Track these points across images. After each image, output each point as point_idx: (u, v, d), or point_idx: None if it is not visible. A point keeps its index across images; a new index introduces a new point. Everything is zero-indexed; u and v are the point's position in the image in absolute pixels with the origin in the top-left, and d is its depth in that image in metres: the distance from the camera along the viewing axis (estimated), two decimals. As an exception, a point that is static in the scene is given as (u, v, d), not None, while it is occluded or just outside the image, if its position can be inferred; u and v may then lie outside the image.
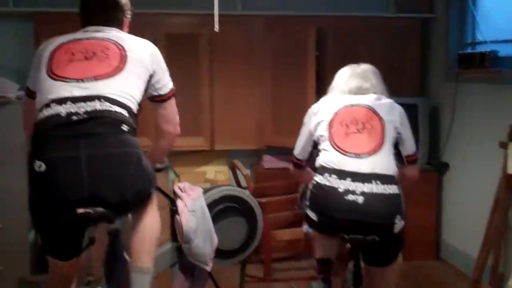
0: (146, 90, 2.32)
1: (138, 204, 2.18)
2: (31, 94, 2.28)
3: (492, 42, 4.23)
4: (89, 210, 2.00)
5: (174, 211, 3.23)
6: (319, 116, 2.76)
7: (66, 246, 2.19)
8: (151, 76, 2.30)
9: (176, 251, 3.30)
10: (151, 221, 2.30)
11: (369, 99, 2.77)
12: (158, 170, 2.66)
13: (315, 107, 2.84)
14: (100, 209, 2.02)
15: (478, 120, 4.35)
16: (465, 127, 4.52)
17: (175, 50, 4.68)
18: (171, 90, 2.43)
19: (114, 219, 2.14)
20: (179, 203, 3.21)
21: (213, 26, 4.54)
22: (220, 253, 3.26)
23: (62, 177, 1.99)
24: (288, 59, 4.78)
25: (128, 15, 2.49)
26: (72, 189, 2.00)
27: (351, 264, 2.72)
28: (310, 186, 2.67)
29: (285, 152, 4.98)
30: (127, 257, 2.48)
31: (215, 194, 3.29)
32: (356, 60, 3.06)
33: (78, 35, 2.31)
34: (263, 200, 4.14)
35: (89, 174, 1.99)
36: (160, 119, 2.42)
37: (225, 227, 3.28)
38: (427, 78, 5.10)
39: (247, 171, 4.41)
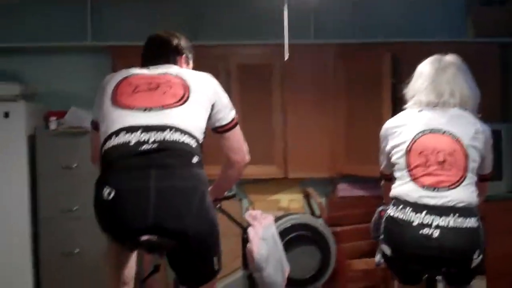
0: (208, 120, 2.31)
1: (200, 240, 2.12)
2: (96, 126, 2.33)
3: None
4: (151, 237, 2.02)
5: (245, 239, 3.22)
6: (396, 138, 2.60)
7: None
8: (213, 106, 2.30)
9: (248, 280, 3.28)
10: None
11: (449, 120, 2.53)
12: (226, 198, 2.66)
13: (391, 125, 2.66)
14: (163, 238, 2.03)
15: None
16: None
17: (247, 81, 4.74)
18: (233, 119, 2.40)
19: (175, 250, 2.11)
20: (250, 231, 3.21)
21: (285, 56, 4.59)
22: (293, 282, 3.21)
23: (129, 206, 2.01)
24: (362, 86, 4.70)
25: (186, 53, 2.51)
26: (137, 219, 2.02)
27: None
28: (383, 219, 2.55)
29: (360, 181, 4.92)
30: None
31: (287, 222, 3.27)
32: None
33: (140, 70, 2.36)
34: (338, 229, 4.06)
35: (156, 206, 2.01)
36: (226, 149, 2.40)
37: (297, 255, 3.25)
38: (509, 103, 4.88)
39: (321, 199, 4.34)
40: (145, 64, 2.41)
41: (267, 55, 4.75)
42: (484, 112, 4.54)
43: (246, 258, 3.22)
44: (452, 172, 2.45)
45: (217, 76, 4.67)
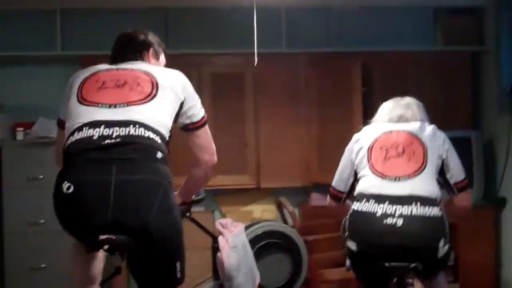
0: (177, 118, 2.27)
1: (162, 239, 2.04)
2: (63, 125, 2.27)
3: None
4: (111, 236, 1.94)
5: (215, 249, 3.17)
6: (359, 143, 2.68)
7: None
8: (182, 104, 2.26)
9: (218, 290, 3.22)
10: None
11: (410, 126, 2.67)
12: (194, 202, 2.60)
13: (356, 136, 2.77)
14: (122, 237, 1.95)
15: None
16: (522, 160, 4.32)
17: (220, 90, 4.72)
18: (203, 117, 2.37)
19: (133, 249, 2.02)
20: (220, 239, 3.16)
21: (259, 66, 4.58)
22: (264, 292, 3.16)
23: (88, 201, 1.95)
24: (334, 95, 4.72)
25: (154, 47, 2.48)
26: (96, 214, 1.95)
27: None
28: (348, 216, 2.56)
29: (333, 191, 4.91)
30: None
31: (257, 229, 3.23)
32: (404, 94, 2.95)
33: (108, 66, 2.32)
34: (311, 238, 4.02)
35: (116, 201, 1.94)
36: (195, 149, 2.35)
37: (268, 263, 3.21)
38: (480, 110, 4.92)
39: (294, 209, 4.31)
40: (114, 61, 2.37)
41: (239, 64, 4.74)
42: (455, 120, 4.66)
43: (217, 268, 3.16)
44: (411, 162, 2.50)
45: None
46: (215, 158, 2.40)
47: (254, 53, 4.47)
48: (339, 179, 2.79)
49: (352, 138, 2.78)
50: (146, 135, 2.06)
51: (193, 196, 2.59)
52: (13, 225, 4.19)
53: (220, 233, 3.18)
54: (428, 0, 4.72)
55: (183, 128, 2.30)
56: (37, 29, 4.68)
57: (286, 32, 4.80)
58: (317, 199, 4.84)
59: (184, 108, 2.26)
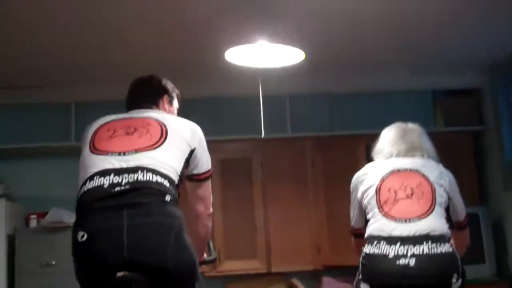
0: (187, 164, 2.32)
1: (179, 278, 2.09)
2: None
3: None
4: (127, 273, 1.97)
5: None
6: (366, 183, 2.69)
7: None
8: (192, 152, 2.32)
9: None
10: None
11: (416, 163, 2.69)
12: (206, 262, 2.61)
13: (360, 174, 2.78)
14: (140, 275, 1.98)
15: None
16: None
17: (229, 175, 4.82)
18: (210, 170, 2.44)
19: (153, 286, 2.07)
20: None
21: (266, 151, 4.72)
22: None
23: (103, 244, 2.00)
24: (340, 177, 4.78)
25: (167, 92, 2.57)
26: (112, 254, 1.99)
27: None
28: (360, 259, 2.55)
29: (345, 273, 4.85)
30: None
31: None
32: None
33: (121, 115, 2.42)
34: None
35: (130, 241, 1.99)
36: (194, 199, 2.41)
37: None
38: (485, 187, 4.98)
39: (306, 289, 4.26)
40: (128, 107, 2.48)
41: (247, 150, 4.88)
42: (461, 197, 4.69)
43: None
44: (421, 203, 2.51)
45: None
46: (211, 210, 2.47)
47: (260, 139, 4.64)
48: (354, 218, 2.83)
49: (356, 176, 2.81)
50: (154, 179, 2.13)
51: (205, 257, 2.60)
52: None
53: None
54: (426, 83, 4.90)
55: (188, 178, 2.37)
56: (52, 122, 4.86)
57: (290, 117, 4.96)
58: (330, 283, 4.81)
59: (193, 157, 2.33)
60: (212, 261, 2.65)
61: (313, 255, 4.81)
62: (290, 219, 4.83)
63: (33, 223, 4.37)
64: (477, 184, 4.92)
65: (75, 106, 4.83)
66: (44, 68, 4.41)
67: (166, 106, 2.54)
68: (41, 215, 4.51)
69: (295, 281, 4.24)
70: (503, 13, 3.84)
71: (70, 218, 4.22)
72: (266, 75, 4.11)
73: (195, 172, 2.36)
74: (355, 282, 3.08)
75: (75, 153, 4.97)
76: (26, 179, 4.88)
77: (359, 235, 2.76)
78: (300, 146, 4.94)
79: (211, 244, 2.65)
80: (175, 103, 2.62)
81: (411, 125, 2.88)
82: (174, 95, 2.60)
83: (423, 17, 3.86)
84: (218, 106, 4.89)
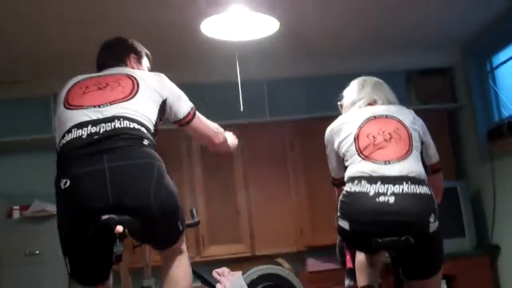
0: (161, 115, 2.39)
1: (164, 218, 2.15)
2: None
3: (518, 112, 4.28)
4: (113, 216, 2.01)
5: (213, 297, 3.16)
6: (343, 133, 2.73)
7: (94, 267, 2.16)
8: (164, 102, 2.39)
9: (219, 338, 3.17)
10: (182, 272, 2.29)
11: (391, 109, 2.75)
12: (190, 225, 2.65)
13: (334, 126, 2.82)
14: (125, 216, 2.03)
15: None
16: (509, 204, 4.42)
17: (209, 161, 4.86)
18: (190, 110, 2.49)
19: (138, 229, 2.09)
20: (218, 286, 3.15)
21: (246, 136, 4.76)
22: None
23: (86, 188, 2.04)
24: (319, 159, 4.83)
25: (136, 51, 2.62)
26: (96, 198, 2.03)
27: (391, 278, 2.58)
28: (340, 197, 2.60)
29: (328, 254, 4.91)
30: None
31: (253, 273, 3.24)
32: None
33: (92, 74, 2.47)
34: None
35: (113, 183, 2.03)
36: (198, 139, 2.61)
37: (267, 307, 3.18)
38: (462, 162, 5.10)
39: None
40: (98, 68, 2.53)
41: (227, 135, 4.92)
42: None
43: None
44: (399, 147, 2.57)
45: (180, 158, 4.87)
46: (217, 140, 2.64)
47: (240, 124, 4.68)
48: (333, 169, 2.89)
49: (330, 130, 2.86)
50: (131, 126, 2.20)
51: (187, 221, 2.64)
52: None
53: (217, 281, 3.18)
54: (399, 63, 4.99)
55: (179, 125, 2.47)
56: (31, 116, 4.85)
57: (269, 102, 5.03)
58: (314, 264, 4.87)
59: (168, 106, 2.40)
60: (196, 224, 2.69)
61: (296, 236, 4.88)
62: (272, 202, 4.89)
63: (16, 214, 4.38)
64: (453, 159, 5.03)
65: (54, 98, 4.82)
66: (20, 61, 4.43)
67: (134, 64, 2.59)
68: (24, 207, 4.52)
69: (280, 260, 4.28)
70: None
71: (53, 207, 4.24)
72: (243, 59, 4.15)
73: (177, 118, 2.45)
74: (338, 256, 3.15)
75: (55, 146, 5.05)
76: (7, 174, 4.87)
77: (340, 184, 2.80)
78: (279, 130, 5.00)
79: (194, 210, 2.70)
80: (145, 62, 2.67)
81: (375, 78, 2.98)
82: (143, 54, 2.66)
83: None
84: (196, 92, 4.86)
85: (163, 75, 2.48)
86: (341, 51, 4.79)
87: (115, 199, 2.03)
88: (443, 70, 5.15)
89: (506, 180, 4.40)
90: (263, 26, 3.50)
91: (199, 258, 4.71)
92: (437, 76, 5.14)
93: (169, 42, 4.13)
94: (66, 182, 2.06)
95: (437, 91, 5.06)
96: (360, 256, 2.76)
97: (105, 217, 2.02)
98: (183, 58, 4.48)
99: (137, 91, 2.32)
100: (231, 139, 2.87)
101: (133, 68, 2.56)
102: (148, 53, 2.70)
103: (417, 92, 5.05)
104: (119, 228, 2.04)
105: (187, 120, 2.48)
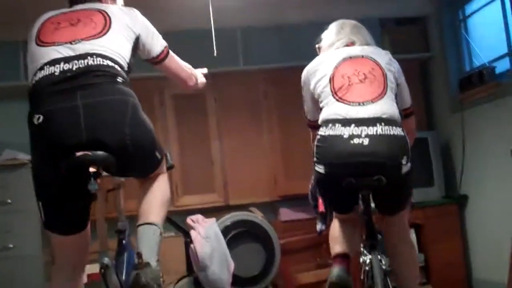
0: (134, 51, 2.36)
1: (138, 154, 2.14)
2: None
3: (489, 62, 4.31)
4: (87, 152, 2.00)
5: (188, 243, 3.20)
6: (318, 74, 2.71)
7: (69, 211, 2.14)
8: (138, 39, 2.35)
9: (194, 284, 3.23)
10: (161, 185, 2.29)
11: (367, 50, 2.74)
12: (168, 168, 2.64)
13: (311, 67, 2.80)
14: (99, 152, 2.01)
15: (488, 144, 4.33)
16: (478, 155, 4.49)
17: (183, 110, 4.84)
18: (164, 49, 2.47)
19: (113, 165, 2.08)
20: (192, 232, 3.20)
21: (219, 85, 4.73)
22: (239, 280, 3.18)
23: (60, 125, 2.01)
24: (293, 108, 4.85)
25: None
26: (70, 134, 2.01)
27: (363, 214, 2.60)
28: (315, 142, 2.59)
29: (301, 204, 4.97)
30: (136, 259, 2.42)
31: (227, 220, 3.28)
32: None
33: (63, 10, 2.41)
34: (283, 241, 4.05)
35: (87, 120, 2.02)
36: (172, 78, 2.57)
37: (241, 253, 3.23)
38: (433, 112, 5.16)
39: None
40: (70, 4, 2.47)
41: (199, 85, 4.88)
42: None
43: (190, 263, 3.18)
44: (373, 87, 2.57)
45: (152, 108, 4.82)
46: (191, 82, 2.67)
47: (214, 73, 4.61)
48: (309, 111, 2.87)
49: (306, 71, 2.83)
50: (105, 63, 2.17)
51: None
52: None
53: (191, 227, 3.22)
54: (373, 12, 4.96)
55: (152, 63, 2.45)
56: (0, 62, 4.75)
57: (242, 50, 4.97)
58: (287, 214, 4.94)
59: (141, 42, 2.37)
60: (170, 168, 2.68)
61: (269, 186, 4.92)
62: (246, 152, 4.90)
63: (-14, 163, 4.31)
64: (424, 109, 5.08)
65: (24, 44, 4.69)
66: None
67: (110, 2, 2.52)
68: (-6, 157, 4.45)
69: (253, 209, 4.33)
70: None
71: (25, 155, 4.19)
72: (217, 4, 4.08)
73: (150, 56, 2.42)
74: (311, 197, 3.18)
75: (25, 95, 4.95)
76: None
77: (316, 126, 2.75)
78: (253, 79, 4.98)
79: (168, 153, 2.68)
80: (119, 1, 2.60)
81: (353, 21, 2.93)
82: None
83: None
84: (169, 40, 4.82)
85: (136, 11, 2.43)
86: (316, -1, 4.75)
87: (89, 136, 2.01)
88: (417, 19, 5.15)
89: (476, 130, 4.47)
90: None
91: (173, 208, 4.68)
92: (410, 25, 5.14)
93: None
94: (39, 117, 2.02)
95: (410, 40, 5.06)
96: (335, 223, 2.77)
97: (79, 153, 1.99)
98: (153, 3, 4.39)
99: (109, 28, 2.27)
100: (200, 77, 2.88)
101: (106, 3, 2.49)
102: None
103: (391, 40, 5.03)
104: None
105: (160, 58, 2.46)
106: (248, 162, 4.89)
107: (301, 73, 2.92)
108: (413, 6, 5.04)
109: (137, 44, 2.36)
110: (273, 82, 4.98)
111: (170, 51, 2.53)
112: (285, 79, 4.94)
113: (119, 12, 2.38)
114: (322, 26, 3.04)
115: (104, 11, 2.35)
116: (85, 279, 2.32)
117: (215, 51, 3.60)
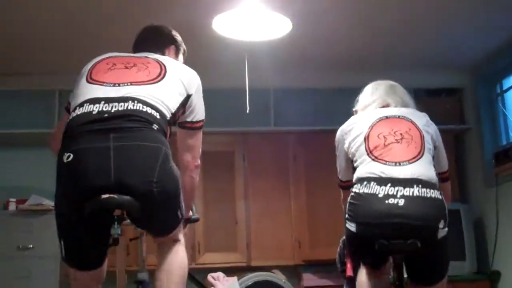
0: (183, 107, 2.30)
1: (164, 203, 2.08)
2: (69, 108, 2.27)
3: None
4: (113, 195, 1.94)
5: (206, 302, 3.10)
6: (353, 133, 2.64)
7: (89, 250, 2.10)
8: (188, 98, 2.30)
9: None
10: (177, 261, 2.21)
11: (403, 111, 2.68)
12: (191, 221, 2.58)
13: (346, 126, 2.73)
14: (125, 196, 1.96)
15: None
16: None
17: (211, 168, 4.79)
18: (203, 120, 2.41)
19: (138, 211, 2.01)
20: (212, 291, 3.09)
21: (248, 144, 4.72)
22: None
23: (89, 164, 1.98)
24: (321, 172, 4.80)
25: (176, 44, 2.58)
26: (98, 175, 1.97)
27: (394, 277, 2.46)
28: (348, 199, 2.50)
29: (324, 270, 4.84)
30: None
31: (249, 280, 3.18)
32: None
33: (123, 54, 2.40)
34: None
35: (117, 163, 1.97)
36: (183, 148, 2.39)
37: (261, 315, 3.11)
38: (466, 185, 5.04)
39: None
40: (133, 51, 2.48)
41: (229, 143, 4.90)
42: (443, 195, 4.73)
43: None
44: (410, 148, 2.48)
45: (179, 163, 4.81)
46: (198, 161, 2.46)
47: (243, 132, 4.63)
48: (341, 171, 2.77)
49: (340, 130, 2.77)
50: (144, 109, 2.12)
51: (191, 214, 2.58)
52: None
53: (211, 285, 3.11)
54: (408, 82, 4.91)
55: (181, 125, 2.35)
56: (35, 110, 4.81)
57: (274, 111, 4.98)
58: (310, 279, 4.80)
59: (189, 103, 2.30)
60: (196, 221, 2.63)
61: (293, 249, 4.81)
62: (271, 213, 4.83)
63: (12, 206, 4.32)
64: (457, 182, 4.96)
65: (59, 94, 4.80)
66: (30, 54, 4.41)
67: (172, 56, 2.52)
68: (21, 201, 4.45)
69: (276, 271, 4.20)
70: (484, 12, 3.94)
71: (50, 202, 4.19)
72: (252, 64, 4.11)
73: (188, 119, 2.34)
74: (338, 262, 3.07)
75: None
76: (6, 166, 4.83)
77: (347, 187, 2.69)
78: (283, 140, 4.95)
79: (193, 206, 2.64)
80: (181, 58, 2.60)
81: (391, 82, 2.90)
82: (181, 48, 2.60)
83: (405, 16, 3.94)
84: (204, 97, 4.87)
85: (196, 74, 2.40)
86: (352, 65, 4.76)
87: (117, 179, 1.96)
88: (452, 91, 5.12)
89: (510, 205, 4.34)
90: (276, 27, 3.43)
91: (194, 265, 4.63)
92: (446, 96, 5.10)
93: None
94: (69, 156, 1.99)
95: (445, 112, 5.00)
96: (362, 276, 2.60)
97: (105, 196, 1.95)
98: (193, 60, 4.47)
99: (162, 78, 2.25)
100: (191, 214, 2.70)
101: (169, 56, 2.49)
102: (185, 49, 2.64)
103: (425, 111, 4.97)
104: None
105: (197, 126, 2.38)
106: (273, 224, 4.81)
107: (332, 137, 2.87)
108: (449, 77, 5.04)
109: (186, 102, 2.30)
110: (303, 145, 4.95)
111: None
112: (315, 143, 4.92)
113: (178, 67, 2.36)
114: (355, 91, 3.01)
115: (162, 62, 2.34)
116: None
117: (247, 108, 3.58)
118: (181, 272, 2.22)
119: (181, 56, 2.61)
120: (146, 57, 2.37)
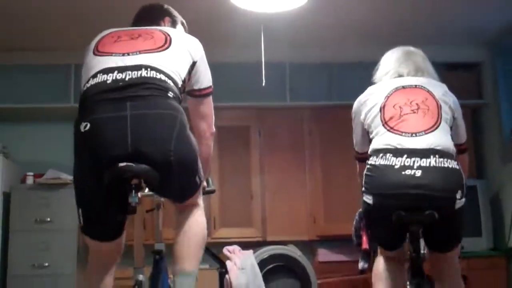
0: (190, 74, 2.29)
1: (182, 171, 2.08)
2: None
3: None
4: (131, 164, 1.95)
5: (222, 274, 3.12)
6: (369, 103, 2.59)
7: (107, 219, 2.11)
8: (194, 64, 2.30)
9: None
10: (198, 222, 2.21)
11: (421, 80, 2.62)
12: (207, 192, 2.59)
13: (362, 97, 2.68)
14: (143, 165, 1.96)
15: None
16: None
17: (226, 142, 4.80)
18: (211, 86, 2.40)
19: (156, 180, 2.02)
20: (228, 263, 3.13)
21: (264, 119, 4.70)
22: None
23: (106, 134, 1.98)
24: (336, 147, 4.79)
25: (173, 17, 2.56)
26: (115, 144, 1.97)
27: (410, 250, 2.40)
28: (364, 171, 2.47)
29: (339, 245, 4.85)
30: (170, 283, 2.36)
31: (265, 252, 3.20)
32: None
33: (126, 28, 2.41)
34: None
35: (134, 131, 1.98)
36: (196, 117, 2.38)
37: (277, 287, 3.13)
38: (483, 161, 4.99)
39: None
40: (133, 25, 2.49)
41: (246, 118, 4.88)
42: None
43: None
44: (426, 118, 2.45)
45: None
46: (213, 128, 2.46)
47: (259, 107, 4.60)
48: (358, 143, 2.73)
49: (357, 101, 2.71)
50: (158, 77, 2.12)
51: (206, 186, 2.58)
52: (18, 269, 4.14)
53: (227, 258, 3.14)
54: (427, 56, 4.88)
55: (189, 93, 2.34)
56: (51, 84, 4.84)
57: (290, 86, 4.95)
58: (325, 255, 4.81)
59: (195, 70, 2.30)
60: (212, 192, 2.63)
61: (308, 224, 4.81)
62: (287, 188, 4.83)
63: (29, 180, 4.36)
64: (474, 157, 4.91)
65: (75, 68, 4.80)
66: (46, 29, 4.41)
67: (169, 25, 2.52)
68: (38, 175, 4.50)
69: (291, 246, 4.22)
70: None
71: (67, 176, 4.23)
72: (268, 37, 4.08)
73: (196, 87, 2.34)
74: (354, 236, 3.05)
75: (74, 117, 5.05)
76: (24, 142, 4.88)
77: (363, 159, 2.63)
78: (298, 115, 4.94)
79: (210, 178, 2.64)
80: (180, 28, 2.58)
81: (414, 48, 2.82)
82: (178, 20, 2.59)
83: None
84: (220, 71, 4.85)
85: (198, 41, 2.39)
86: (370, 39, 4.70)
87: (134, 147, 1.97)
88: (471, 65, 5.05)
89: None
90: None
91: (210, 239, 4.61)
92: (464, 71, 5.03)
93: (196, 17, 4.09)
94: (86, 125, 1.99)
95: (463, 86, 4.90)
96: (379, 261, 2.60)
97: (122, 164, 1.95)
98: (208, 34, 4.44)
99: (169, 45, 2.25)
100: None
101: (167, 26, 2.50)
102: (184, 21, 2.63)
103: (443, 85, 4.94)
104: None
105: (206, 92, 2.37)
106: (288, 199, 4.81)
107: (347, 112, 2.80)
108: (467, 52, 4.97)
109: (192, 69, 2.30)
110: (318, 120, 4.93)
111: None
112: (331, 118, 4.90)
113: (181, 35, 2.38)
114: (370, 66, 2.98)
115: (165, 31, 2.35)
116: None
117: (263, 81, 3.55)
118: (201, 234, 2.22)
119: (180, 27, 2.59)
120: (148, 28, 2.37)
